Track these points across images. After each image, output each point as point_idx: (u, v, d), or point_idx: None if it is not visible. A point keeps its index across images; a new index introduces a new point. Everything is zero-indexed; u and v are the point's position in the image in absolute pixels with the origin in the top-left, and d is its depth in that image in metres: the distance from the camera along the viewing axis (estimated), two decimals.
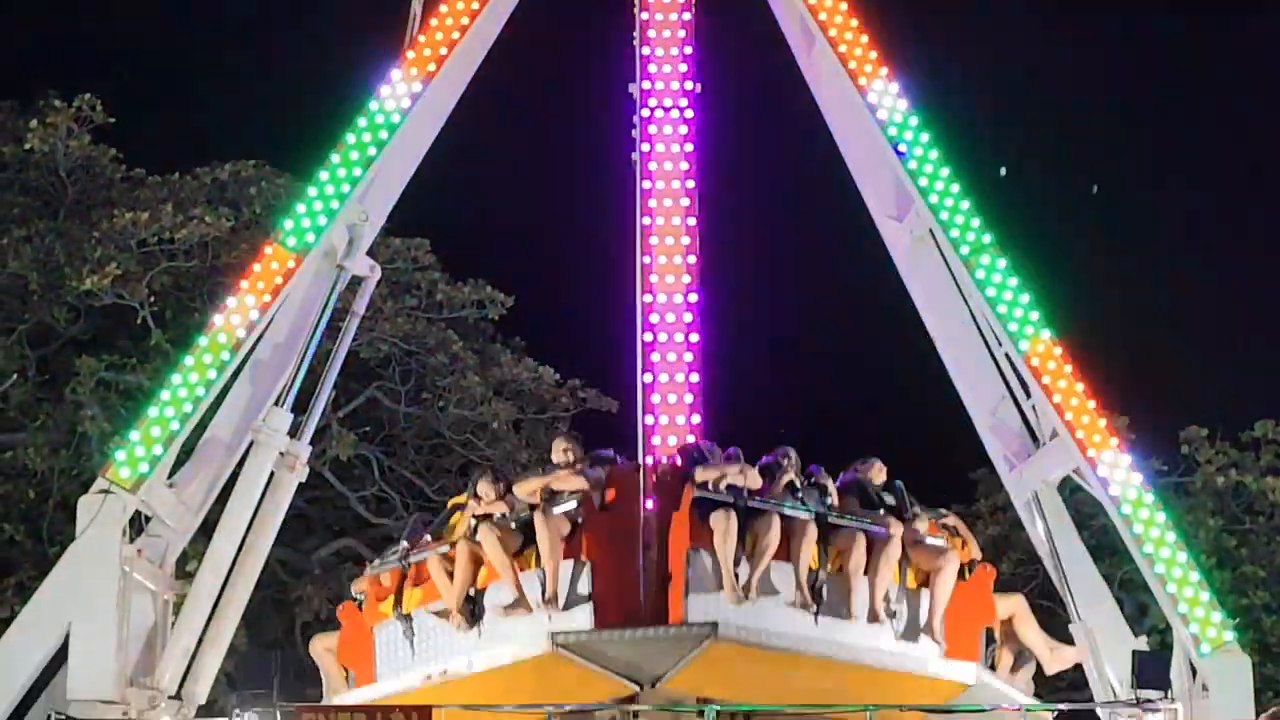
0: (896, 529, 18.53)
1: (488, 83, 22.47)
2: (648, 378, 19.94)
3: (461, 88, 22.25)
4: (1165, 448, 30.06)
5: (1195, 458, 30.29)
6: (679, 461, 19.09)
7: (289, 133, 29.39)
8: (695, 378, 19.92)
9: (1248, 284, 38.97)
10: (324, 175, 21.61)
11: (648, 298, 20.23)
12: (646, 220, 20.63)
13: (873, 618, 18.33)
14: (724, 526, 17.65)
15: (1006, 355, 21.51)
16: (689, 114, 21.13)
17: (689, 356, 19.98)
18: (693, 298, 20.24)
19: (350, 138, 21.70)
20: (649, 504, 18.65)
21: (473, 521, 18.80)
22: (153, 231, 27.99)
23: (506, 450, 31.89)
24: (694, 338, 20.04)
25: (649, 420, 19.68)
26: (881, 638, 18.41)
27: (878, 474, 19.52)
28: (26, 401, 28.41)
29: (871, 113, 21.93)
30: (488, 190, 39.25)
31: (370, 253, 22.24)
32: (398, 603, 19.47)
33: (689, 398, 19.84)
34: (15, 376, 28.23)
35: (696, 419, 19.74)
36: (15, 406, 28.31)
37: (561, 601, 18.00)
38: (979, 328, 21.76)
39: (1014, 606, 20.36)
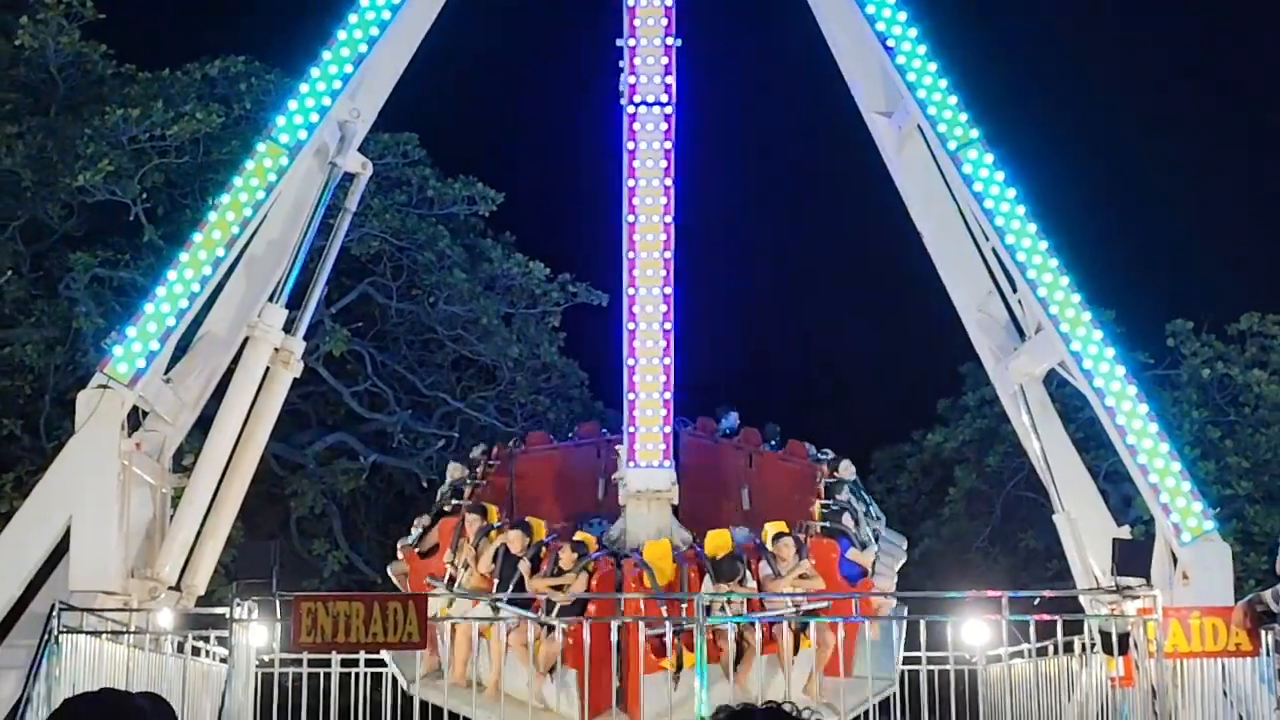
0: None
1: None
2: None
3: None
4: (1151, 340, 30.26)
5: (1180, 350, 30.47)
6: None
7: (279, 29, 29.39)
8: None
9: (1234, 177, 39.08)
10: (315, 72, 21.63)
11: (630, 290, 21.56)
12: (631, 218, 21.66)
13: None
14: None
15: (993, 249, 21.65)
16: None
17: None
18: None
19: (341, 34, 21.66)
20: None
21: None
22: (144, 128, 28.00)
23: (497, 345, 32.11)
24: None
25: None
26: None
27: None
28: (21, 298, 28.58)
29: (861, 7, 21.95)
30: (478, 85, 39.22)
31: (361, 149, 22.33)
32: None
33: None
34: (9, 273, 28.36)
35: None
36: (10, 303, 28.48)
37: None
38: (966, 222, 21.89)
39: None
